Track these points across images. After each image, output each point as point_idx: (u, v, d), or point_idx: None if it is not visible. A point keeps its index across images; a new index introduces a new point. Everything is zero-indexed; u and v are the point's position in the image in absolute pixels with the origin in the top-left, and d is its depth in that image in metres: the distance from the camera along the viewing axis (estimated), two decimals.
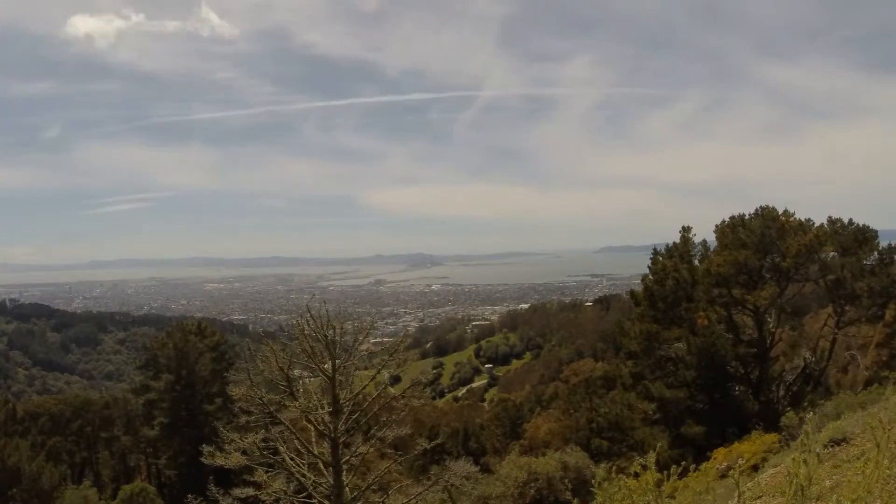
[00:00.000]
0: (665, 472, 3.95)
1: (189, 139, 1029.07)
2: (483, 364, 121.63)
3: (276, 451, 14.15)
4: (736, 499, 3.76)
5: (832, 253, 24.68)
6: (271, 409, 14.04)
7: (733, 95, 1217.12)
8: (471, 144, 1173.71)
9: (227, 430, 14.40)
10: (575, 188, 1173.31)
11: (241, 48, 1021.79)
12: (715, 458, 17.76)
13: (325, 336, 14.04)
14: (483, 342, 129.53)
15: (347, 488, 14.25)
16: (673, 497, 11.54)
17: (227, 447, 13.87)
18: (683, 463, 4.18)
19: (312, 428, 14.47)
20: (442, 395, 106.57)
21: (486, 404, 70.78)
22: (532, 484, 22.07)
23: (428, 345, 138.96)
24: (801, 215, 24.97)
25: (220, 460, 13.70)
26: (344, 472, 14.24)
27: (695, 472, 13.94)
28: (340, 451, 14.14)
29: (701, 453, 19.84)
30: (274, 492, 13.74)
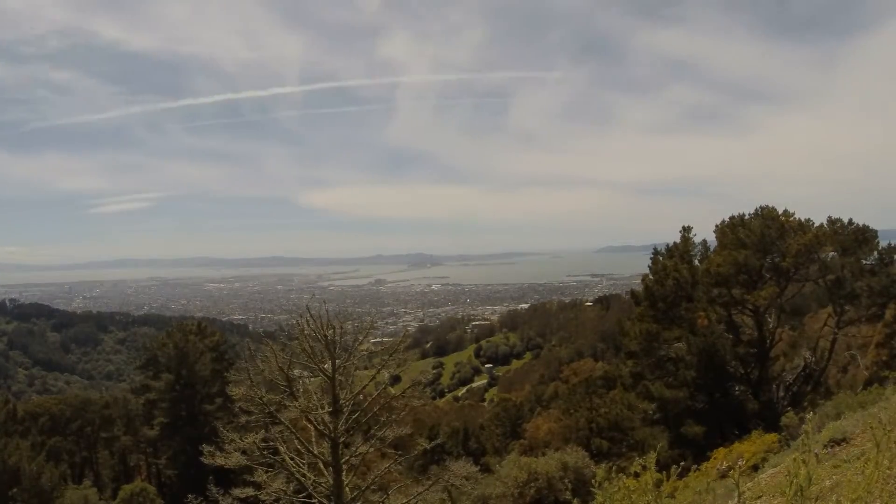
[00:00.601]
0: (665, 472, 3.95)
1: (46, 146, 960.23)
2: (483, 364, 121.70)
3: (276, 451, 14.15)
4: (736, 499, 3.76)
5: (832, 253, 24.68)
6: (271, 409, 14.03)
7: (626, 73, 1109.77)
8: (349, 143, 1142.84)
9: (227, 430, 14.38)
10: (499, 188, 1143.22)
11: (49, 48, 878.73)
12: (715, 458, 17.75)
13: (325, 336, 14.04)
14: (483, 342, 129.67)
15: (347, 488, 14.25)
16: (673, 497, 11.55)
17: (226, 447, 13.87)
18: (683, 463, 4.18)
19: (312, 428, 14.46)
20: (442, 394, 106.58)
21: (486, 404, 70.86)
22: (532, 484, 22.08)
23: (428, 345, 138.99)
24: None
25: (220, 460, 13.70)
26: (344, 472, 14.24)
27: (695, 471, 13.98)
28: (340, 451, 14.14)
29: (701, 453, 19.86)
30: (274, 492, 13.75)
